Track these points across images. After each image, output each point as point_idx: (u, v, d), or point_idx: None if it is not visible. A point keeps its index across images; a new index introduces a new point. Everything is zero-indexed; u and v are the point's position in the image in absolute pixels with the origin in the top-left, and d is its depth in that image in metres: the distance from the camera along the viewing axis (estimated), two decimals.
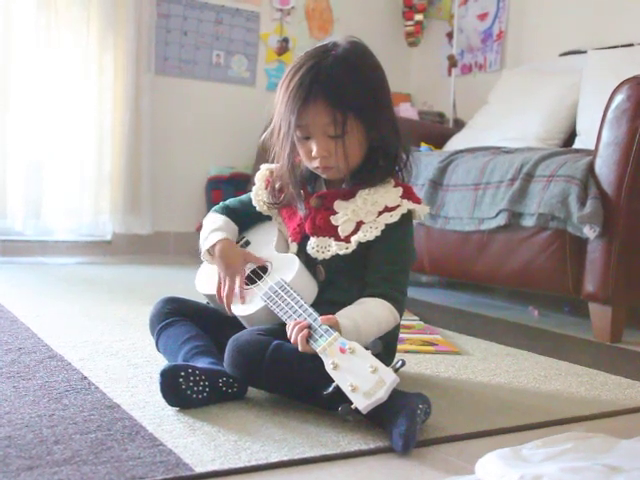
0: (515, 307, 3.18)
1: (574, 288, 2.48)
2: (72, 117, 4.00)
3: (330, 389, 1.30)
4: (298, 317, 1.44)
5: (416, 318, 2.57)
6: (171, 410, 1.40)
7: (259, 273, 1.66)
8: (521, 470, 0.99)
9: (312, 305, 1.48)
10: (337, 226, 1.61)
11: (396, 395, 1.28)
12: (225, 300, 1.63)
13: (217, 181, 4.41)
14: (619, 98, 2.37)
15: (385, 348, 1.39)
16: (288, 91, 1.56)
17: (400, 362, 1.30)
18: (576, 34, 3.93)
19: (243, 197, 1.83)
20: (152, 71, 4.24)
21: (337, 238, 1.61)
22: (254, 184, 1.79)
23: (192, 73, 4.48)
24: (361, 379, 1.26)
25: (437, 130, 4.23)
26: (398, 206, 1.60)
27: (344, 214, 1.61)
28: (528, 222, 2.55)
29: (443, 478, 1.11)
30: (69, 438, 1.21)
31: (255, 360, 1.43)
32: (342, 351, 1.32)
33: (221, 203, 1.84)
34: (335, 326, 1.39)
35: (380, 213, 1.60)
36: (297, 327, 1.40)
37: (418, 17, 4.92)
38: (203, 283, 1.75)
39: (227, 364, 1.47)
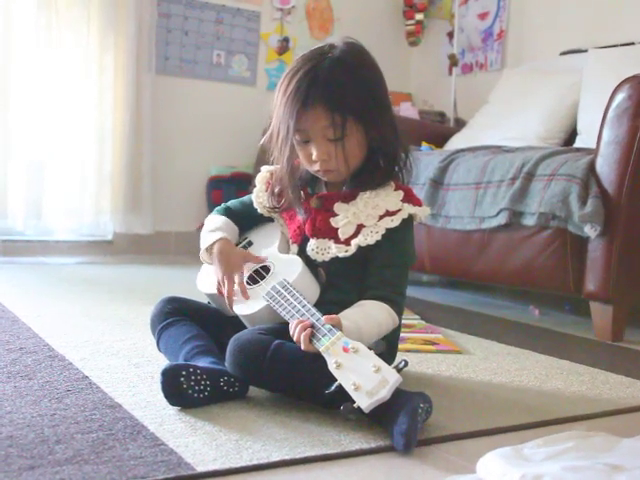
0: (516, 306, 3.18)
1: (575, 287, 2.48)
2: (73, 117, 3.99)
3: (332, 388, 1.30)
4: (301, 316, 1.44)
5: (417, 317, 2.58)
6: (172, 409, 1.40)
7: (262, 273, 1.66)
8: (522, 469, 0.99)
9: (314, 306, 1.48)
10: (337, 228, 1.62)
11: (397, 394, 1.28)
12: (227, 300, 1.63)
13: (218, 181, 4.41)
14: (620, 97, 2.37)
15: (387, 348, 1.39)
16: (286, 96, 1.56)
17: (403, 362, 1.30)
18: (576, 33, 3.93)
19: (245, 198, 1.83)
20: (153, 71, 4.24)
21: (337, 240, 1.61)
22: (255, 185, 1.79)
23: (193, 73, 4.48)
24: (364, 378, 1.26)
25: (438, 129, 4.23)
26: (399, 210, 1.60)
27: (344, 216, 1.61)
28: (529, 221, 2.55)
29: (444, 477, 1.11)
30: (70, 438, 1.21)
31: (256, 359, 1.43)
32: (345, 350, 1.32)
33: (223, 204, 1.85)
34: (338, 326, 1.39)
35: (381, 217, 1.60)
36: (300, 326, 1.40)
37: (419, 16, 4.91)
38: (204, 282, 1.75)
39: (228, 363, 1.47)
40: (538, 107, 3.55)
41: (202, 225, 1.80)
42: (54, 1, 3.90)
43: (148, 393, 1.50)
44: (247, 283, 1.66)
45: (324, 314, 1.41)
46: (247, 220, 1.81)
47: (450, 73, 4.66)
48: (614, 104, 2.38)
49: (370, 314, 1.53)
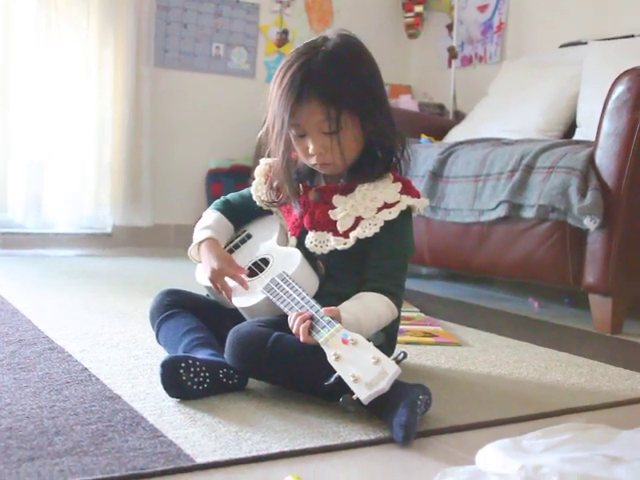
0: (515, 299, 3.18)
1: (574, 279, 2.48)
2: (72, 111, 3.99)
3: (332, 380, 1.30)
4: (300, 309, 1.44)
5: (416, 310, 2.58)
6: (172, 401, 1.40)
7: (261, 266, 1.66)
8: (521, 460, 0.99)
9: (313, 298, 1.48)
10: (336, 221, 1.61)
11: (397, 386, 1.28)
12: (225, 294, 1.63)
13: (217, 173, 4.41)
14: (619, 89, 2.37)
15: (386, 340, 1.39)
16: (280, 90, 1.56)
17: (402, 354, 1.30)
18: (576, 25, 3.92)
19: (244, 191, 1.84)
20: (152, 63, 4.23)
21: (335, 233, 1.61)
22: (254, 178, 1.79)
23: (192, 65, 4.47)
24: (363, 370, 1.26)
25: (437, 122, 4.23)
26: (397, 202, 1.60)
27: (343, 209, 1.61)
28: (528, 214, 2.55)
29: (443, 469, 1.11)
30: (70, 429, 1.21)
31: (256, 352, 1.43)
32: (344, 342, 1.32)
33: (222, 197, 1.85)
34: (337, 318, 1.39)
35: (379, 209, 1.60)
36: (299, 318, 1.40)
37: (418, 9, 4.91)
38: (203, 275, 1.75)
39: (228, 355, 1.47)
40: (537, 99, 3.54)
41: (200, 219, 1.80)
42: None
43: (147, 385, 1.50)
44: (246, 275, 1.66)
45: (323, 306, 1.41)
46: (246, 213, 1.82)
47: (449, 65, 4.65)
48: (614, 96, 2.38)
49: (369, 306, 1.53)
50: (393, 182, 1.63)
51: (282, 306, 1.49)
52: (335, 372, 1.30)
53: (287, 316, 1.46)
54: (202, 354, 1.50)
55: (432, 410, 1.40)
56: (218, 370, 1.45)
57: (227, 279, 1.65)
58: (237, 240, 1.79)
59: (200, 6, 4.44)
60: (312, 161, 1.60)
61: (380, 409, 1.31)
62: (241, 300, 1.61)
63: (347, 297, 1.55)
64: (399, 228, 1.61)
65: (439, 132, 3.90)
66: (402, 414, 1.25)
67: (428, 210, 2.94)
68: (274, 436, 1.25)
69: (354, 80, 1.56)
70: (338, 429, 1.30)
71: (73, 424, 1.24)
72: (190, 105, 4.46)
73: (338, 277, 1.62)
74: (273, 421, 1.33)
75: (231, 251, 1.78)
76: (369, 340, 1.32)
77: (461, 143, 3.08)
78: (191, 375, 1.41)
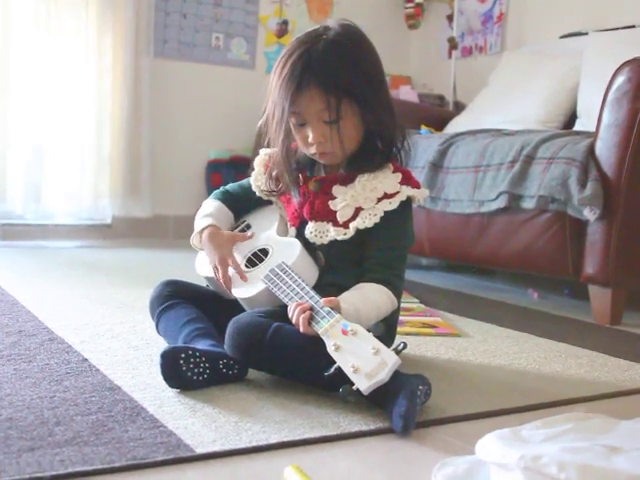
0: (515, 290, 3.18)
1: (574, 270, 2.49)
2: (71, 101, 3.98)
3: (331, 370, 1.30)
4: (300, 299, 1.44)
5: (416, 300, 2.58)
6: (172, 392, 1.40)
7: (260, 256, 1.66)
8: (521, 450, 0.99)
9: (313, 288, 1.48)
10: (336, 211, 1.61)
11: (396, 376, 1.28)
12: (224, 285, 1.63)
13: (217, 164, 4.40)
14: (620, 80, 2.36)
15: (386, 331, 1.39)
16: (281, 79, 1.55)
17: (402, 344, 1.30)
18: (577, 16, 3.91)
19: (243, 182, 1.84)
20: (151, 54, 4.22)
21: (335, 223, 1.61)
22: (253, 168, 1.79)
23: (191, 56, 4.46)
24: (363, 360, 1.27)
25: (437, 113, 4.22)
26: (397, 193, 1.60)
27: (343, 199, 1.61)
28: (528, 204, 2.54)
29: (443, 459, 1.11)
30: (70, 419, 1.22)
31: (255, 342, 1.43)
32: (344, 333, 1.32)
33: (221, 188, 1.85)
34: (337, 308, 1.39)
35: (379, 200, 1.60)
36: (299, 309, 1.40)
37: None
38: (203, 266, 1.75)
39: (227, 346, 1.47)
40: (538, 90, 3.54)
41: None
42: None
43: (147, 375, 1.51)
44: (245, 266, 1.66)
45: (323, 297, 1.42)
46: (246, 203, 1.82)
47: (450, 56, 4.64)
48: (614, 87, 2.37)
49: (369, 297, 1.53)
50: (393, 172, 1.63)
51: (282, 296, 1.50)
52: (335, 363, 1.30)
53: (287, 307, 1.46)
54: (202, 345, 1.51)
55: (432, 400, 1.41)
56: (218, 360, 1.45)
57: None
58: (236, 230, 1.79)
59: None
60: (312, 150, 1.60)
61: (380, 399, 1.31)
62: (241, 291, 1.61)
63: (347, 288, 1.55)
64: (399, 219, 1.61)
65: (439, 123, 3.90)
66: (402, 404, 1.25)
67: (428, 201, 2.94)
68: (274, 426, 1.25)
69: (355, 69, 1.56)
70: (338, 419, 1.31)
71: (73, 414, 1.24)
72: (189, 96, 4.45)
73: (338, 268, 1.62)
74: (273, 411, 1.33)
75: None
76: (369, 331, 1.32)
77: (461, 134, 3.07)
78: (191, 365, 1.41)
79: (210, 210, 1.76)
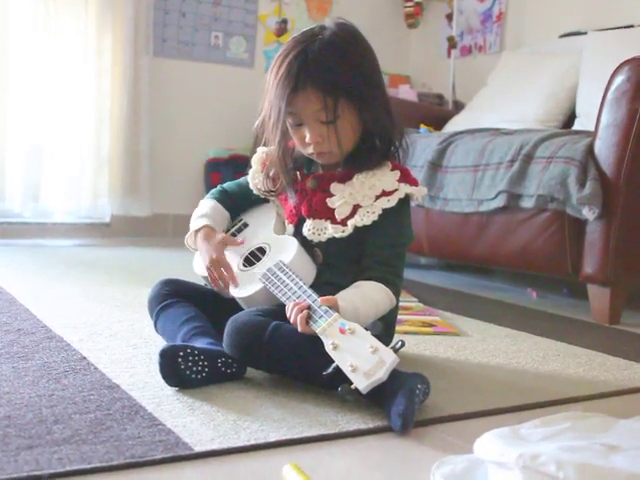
0: (514, 289, 3.18)
1: (573, 270, 2.49)
2: (71, 100, 3.98)
3: (330, 369, 1.30)
4: (297, 298, 1.44)
5: (415, 300, 2.58)
6: (170, 390, 1.40)
7: (257, 255, 1.66)
8: (520, 449, 0.99)
9: (311, 287, 1.48)
10: (333, 209, 1.61)
11: (395, 375, 1.28)
12: (222, 284, 1.63)
13: (216, 163, 4.40)
14: (619, 79, 2.36)
15: (384, 329, 1.39)
16: (277, 79, 1.55)
17: (400, 342, 1.30)
18: (576, 15, 3.91)
19: (241, 180, 1.84)
20: (150, 53, 4.22)
21: (333, 221, 1.61)
22: (251, 167, 1.79)
23: (190, 55, 4.46)
24: (361, 359, 1.27)
25: (436, 112, 4.22)
26: (395, 190, 1.60)
27: (341, 197, 1.61)
28: (527, 203, 2.54)
29: (442, 457, 1.11)
30: (68, 418, 1.22)
31: (254, 341, 1.43)
32: (342, 332, 1.32)
33: (219, 186, 1.85)
34: (334, 307, 1.39)
35: (377, 197, 1.60)
36: (297, 308, 1.40)
37: None
38: (201, 265, 1.75)
39: (226, 345, 1.47)
40: (537, 90, 3.54)
41: None
42: None
43: (146, 374, 1.51)
44: (243, 265, 1.66)
45: (321, 295, 1.42)
46: (243, 201, 1.82)
47: (449, 55, 4.64)
48: (613, 87, 2.37)
49: (367, 295, 1.53)
50: (391, 170, 1.63)
51: (279, 295, 1.50)
52: (333, 362, 1.30)
53: (285, 305, 1.46)
54: (200, 343, 1.50)
55: (430, 399, 1.41)
56: (216, 359, 1.45)
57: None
58: (233, 229, 1.79)
59: None
60: (309, 150, 1.60)
61: (378, 398, 1.31)
62: (238, 290, 1.61)
63: (344, 286, 1.55)
64: (397, 216, 1.61)
65: (438, 122, 3.90)
66: (400, 403, 1.25)
67: (427, 200, 2.94)
68: (272, 425, 1.25)
69: (351, 69, 1.55)
70: (336, 418, 1.30)
71: (72, 413, 1.24)
72: (189, 95, 4.45)
73: (335, 266, 1.62)
74: (271, 410, 1.33)
75: None
76: (367, 329, 1.32)
77: (460, 133, 3.08)
78: (190, 364, 1.41)
79: (205, 210, 1.76)
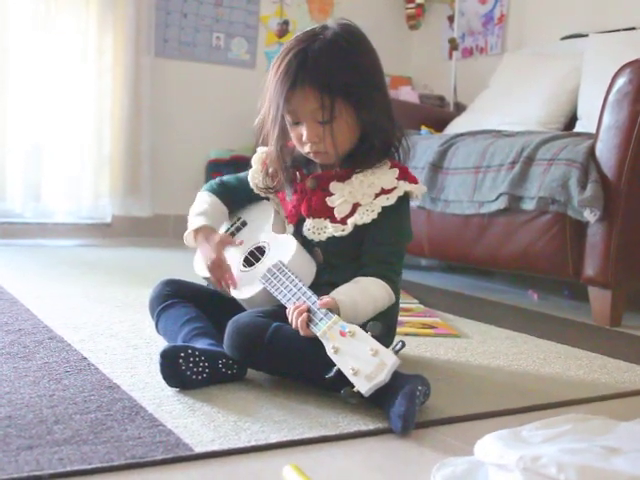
0: (514, 291, 3.18)
1: (574, 272, 2.48)
2: (72, 100, 3.98)
3: (332, 373, 1.30)
4: (297, 300, 1.44)
5: (415, 301, 2.58)
6: (171, 391, 1.40)
7: (257, 255, 1.66)
8: (520, 451, 0.99)
9: (311, 287, 1.48)
10: (333, 208, 1.61)
11: (396, 377, 1.28)
12: (223, 286, 1.64)
13: (217, 164, 4.39)
14: (621, 81, 2.36)
15: (385, 330, 1.39)
16: (276, 76, 1.55)
17: (400, 344, 1.30)
18: (578, 18, 3.90)
19: (241, 175, 1.83)
20: (152, 53, 4.22)
21: (333, 220, 1.61)
22: (251, 166, 1.79)
23: (192, 55, 4.46)
24: (362, 362, 1.27)
25: (437, 113, 4.22)
26: (395, 188, 1.60)
27: (340, 195, 1.61)
28: (528, 206, 2.54)
29: (442, 459, 1.11)
30: (69, 418, 1.21)
31: (255, 342, 1.43)
32: (342, 334, 1.32)
33: (217, 178, 1.85)
34: (334, 308, 1.39)
35: (377, 195, 1.59)
36: (297, 312, 1.40)
37: (419, 0, 4.89)
38: (201, 266, 1.75)
39: (226, 346, 1.47)
40: (538, 92, 3.54)
41: None
42: None
43: (146, 374, 1.51)
44: (243, 265, 1.66)
45: (321, 296, 1.42)
46: (241, 196, 1.81)
47: (450, 57, 4.64)
48: (615, 89, 2.37)
49: (366, 290, 1.53)
50: (390, 168, 1.63)
51: (279, 297, 1.50)
52: (335, 365, 1.30)
53: (285, 306, 1.46)
54: (201, 344, 1.50)
55: (431, 401, 1.41)
56: (217, 360, 1.45)
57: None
58: (232, 228, 1.79)
59: None
60: (306, 149, 1.60)
61: (379, 399, 1.31)
62: (239, 292, 1.61)
63: None
64: (397, 214, 1.61)
65: (439, 124, 3.89)
66: (401, 404, 1.25)
67: (428, 202, 2.94)
68: (273, 426, 1.25)
69: (350, 69, 1.55)
70: (337, 419, 1.30)
71: (72, 413, 1.24)
72: (190, 95, 4.45)
73: (335, 265, 1.62)
74: (272, 411, 1.33)
75: None
76: (366, 330, 1.32)
77: (461, 135, 3.07)
78: (190, 365, 1.41)
79: (205, 207, 1.76)
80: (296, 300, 1.45)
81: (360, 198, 1.60)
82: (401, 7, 5.01)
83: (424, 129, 3.65)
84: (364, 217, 1.58)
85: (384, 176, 1.61)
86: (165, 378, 1.41)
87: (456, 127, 3.72)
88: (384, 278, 1.57)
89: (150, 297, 1.74)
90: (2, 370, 1.47)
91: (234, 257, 1.69)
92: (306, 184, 1.65)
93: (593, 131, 2.49)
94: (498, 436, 1.08)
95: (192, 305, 1.67)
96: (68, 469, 1.02)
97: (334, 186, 1.63)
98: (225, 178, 1.85)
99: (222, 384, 1.46)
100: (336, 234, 1.60)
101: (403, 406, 1.25)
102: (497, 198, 2.65)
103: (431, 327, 2.16)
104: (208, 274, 1.70)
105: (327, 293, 1.45)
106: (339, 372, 1.29)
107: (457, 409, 1.41)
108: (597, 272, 2.41)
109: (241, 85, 4.51)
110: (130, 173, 4.14)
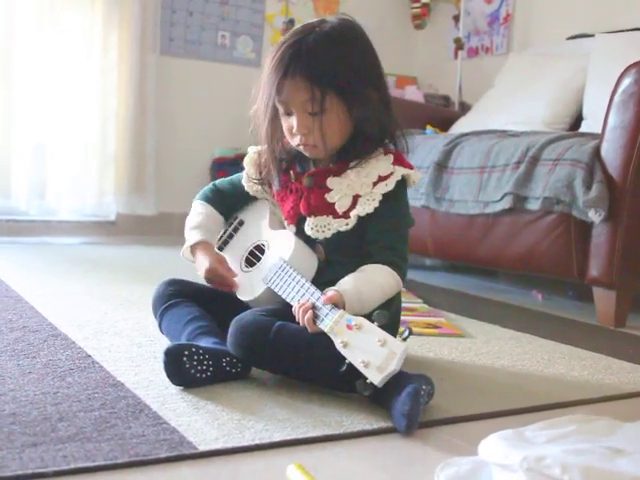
0: (519, 291, 3.18)
1: (578, 272, 2.48)
2: (76, 98, 3.99)
3: (344, 367, 1.30)
4: (301, 297, 1.44)
5: (420, 301, 2.57)
6: (175, 389, 1.40)
7: (257, 254, 1.66)
8: (524, 451, 0.99)
9: (314, 284, 1.47)
10: (333, 203, 1.60)
11: (400, 376, 1.29)
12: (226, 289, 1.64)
13: (222, 162, 4.40)
14: (626, 82, 2.36)
15: (390, 319, 1.38)
16: (270, 66, 1.56)
17: (407, 331, 1.30)
18: (584, 18, 3.90)
19: (234, 178, 1.83)
20: (157, 51, 4.23)
21: (336, 215, 1.60)
22: (244, 167, 1.79)
23: (197, 54, 4.46)
24: (371, 354, 1.27)
25: (443, 113, 4.22)
26: (391, 173, 1.58)
27: (339, 190, 1.60)
28: (533, 206, 2.54)
29: (446, 459, 1.11)
30: (73, 415, 1.22)
31: (258, 341, 1.43)
32: (349, 328, 1.32)
33: (210, 184, 1.85)
34: (338, 302, 1.39)
35: (375, 184, 1.58)
36: (302, 309, 1.40)
37: None
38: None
39: (230, 345, 1.47)
40: (544, 92, 3.53)
41: None
42: None
43: (150, 372, 1.51)
44: (245, 266, 1.66)
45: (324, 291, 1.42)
46: (236, 199, 1.80)
47: (456, 57, 4.64)
48: (620, 89, 2.37)
49: (372, 279, 1.52)
50: (385, 155, 1.62)
51: (284, 295, 1.50)
52: (338, 360, 1.30)
53: (290, 304, 1.46)
54: (205, 342, 1.50)
55: (435, 400, 1.41)
56: (221, 358, 1.45)
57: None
58: (230, 229, 1.79)
59: None
60: (296, 141, 1.59)
61: (383, 399, 1.31)
62: (243, 293, 1.62)
63: None
64: (396, 200, 1.60)
65: (444, 123, 3.89)
66: (405, 404, 1.25)
67: (432, 201, 2.94)
68: (277, 424, 1.25)
69: (344, 63, 1.54)
70: (341, 418, 1.30)
71: (76, 410, 1.24)
72: (195, 94, 4.45)
73: (339, 262, 1.60)
74: (276, 409, 1.33)
75: (226, 242, 1.78)
76: (372, 321, 1.32)
77: (466, 134, 3.07)
78: (194, 363, 1.41)
79: (199, 219, 1.74)
80: (300, 297, 1.45)
81: (359, 189, 1.59)
82: (406, 6, 5.01)
83: (429, 129, 3.65)
84: (366, 207, 1.57)
85: (379, 163, 1.60)
86: (169, 376, 1.41)
87: (461, 127, 3.71)
88: (390, 264, 1.56)
89: (153, 297, 1.74)
90: (6, 367, 1.47)
91: (235, 259, 1.69)
92: (302, 182, 1.64)
93: (598, 131, 2.49)
94: (502, 436, 1.08)
95: (195, 304, 1.67)
96: (72, 466, 1.02)
97: (331, 181, 1.61)
98: (219, 183, 1.84)
99: (226, 382, 1.46)
100: (341, 229, 1.59)
101: (407, 405, 1.24)
102: (502, 198, 2.64)
103: (435, 327, 2.16)
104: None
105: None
106: (350, 366, 1.29)
107: (461, 409, 1.41)
108: (602, 273, 2.41)
109: (246, 84, 4.42)
110: (135, 171, 4.14)
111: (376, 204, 1.57)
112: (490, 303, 2.81)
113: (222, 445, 1.15)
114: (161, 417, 1.24)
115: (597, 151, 2.41)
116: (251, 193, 1.77)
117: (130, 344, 1.74)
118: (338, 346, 1.31)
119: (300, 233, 1.64)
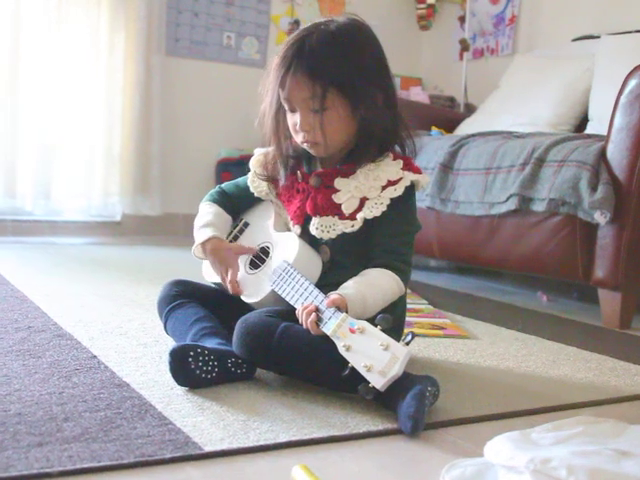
0: (524, 292, 3.17)
1: (584, 274, 2.48)
2: (82, 98, 4.00)
3: (347, 371, 1.30)
4: (305, 300, 1.44)
5: (425, 302, 2.57)
6: (180, 389, 1.41)
7: (262, 256, 1.66)
8: (530, 453, 0.99)
9: (318, 286, 1.47)
10: (340, 204, 1.60)
11: (405, 377, 1.29)
12: (236, 292, 1.63)
13: (227, 163, 4.40)
14: (632, 83, 2.35)
15: (393, 323, 1.38)
16: (276, 62, 1.58)
17: (410, 335, 1.30)
18: (589, 19, 3.90)
19: (239, 181, 1.83)
20: (163, 52, 4.24)
21: (342, 216, 1.60)
22: (249, 170, 1.79)
23: (203, 54, 4.47)
24: (374, 358, 1.27)
25: (448, 114, 4.21)
26: (401, 179, 1.58)
27: (347, 191, 1.60)
28: (538, 207, 2.53)
29: (452, 460, 1.11)
30: (79, 416, 1.22)
31: (263, 342, 1.43)
32: (352, 331, 1.32)
33: (217, 187, 1.85)
34: (341, 305, 1.39)
35: (383, 188, 1.58)
36: (305, 312, 1.40)
37: (430, 0, 4.87)
38: (211, 272, 1.74)
39: (235, 346, 1.47)
40: (549, 93, 3.53)
41: None
42: None
43: (156, 373, 1.51)
44: (250, 268, 1.66)
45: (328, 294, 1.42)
46: (243, 202, 1.80)
47: (461, 58, 4.64)
48: (626, 90, 2.36)
49: (374, 283, 1.52)
50: (393, 160, 1.62)
51: (287, 298, 1.50)
52: (343, 362, 1.30)
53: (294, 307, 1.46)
54: (210, 343, 1.50)
55: (440, 402, 1.40)
56: (226, 359, 1.45)
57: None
58: (235, 231, 1.79)
59: None
60: (299, 138, 1.60)
61: (388, 400, 1.31)
62: (249, 295, 1.62)
63: None
64: (404, 205, 1.59)
65: (450, 125, 3.89)
66: (410, 405, 1.25)
67: (438, 202, 2.93)
68: (282, 425, 1.25)
69: (348, 62, 1.54)
70: (346, 419, 1.30)
71: (82, 411, 1.24)
72: (200, 94, 4.46)
73: (344, 264, 1.60)
74: (281, 410, 1.33)
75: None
76: (376, 325, 1.31)
77: (472, 136, 3.07)
78: (200, 364, 1.41)
79: (209, 218, 1.74)
80: (304, 300, 1.45)
81: (367, 192, 1.59)
82: (412, 7, 5.01)
83: (434, 130, 3.65)
84: (374, 211, 1.57)
85: (388, 168, 1.60)
86: (174, 377, 1.41)
87: (466, 128, 3.71)
88: (393, 269, 1.56)
89: (158, 298, 1.74)
90: (12, 367, 1.47)
91: (239, 260, 1.69)
92: (310, 182, 1.64)
93: (604, 133, 2.48)
94: (508, 438, 1.08)
95: (200, 305, 1.67)
96: (77, 466, 1.02)
97: (339, 182, 1.61)
98: (225, 186, 1.84)
99: (231, 383, 1.46)
100: (346, 230, 1.58)
101: (412, 407, 1.24)
102: (507, 199, 2.64)
103: (440, 328, 2.16)
104: (218, 279, 1.69)
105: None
106: (353, 370, 1.29)
107: (466, 410, 1.41)
108: (607, 274, 2.40)
109: (251, 84, 4.43)
110: (140, 172, 4.15)
111: (384, 208, 1.57)
112: (495, 304, 2.80)
113: (227, 446, 1.15)
114: (166, 417, 1.24)
115: (603, 153, 2.41)
116: (256, 194, 1.76)
117: (136, 344, 1.75)
118: (341, 349, 1.31)
119: (305, 233, 1.64)
